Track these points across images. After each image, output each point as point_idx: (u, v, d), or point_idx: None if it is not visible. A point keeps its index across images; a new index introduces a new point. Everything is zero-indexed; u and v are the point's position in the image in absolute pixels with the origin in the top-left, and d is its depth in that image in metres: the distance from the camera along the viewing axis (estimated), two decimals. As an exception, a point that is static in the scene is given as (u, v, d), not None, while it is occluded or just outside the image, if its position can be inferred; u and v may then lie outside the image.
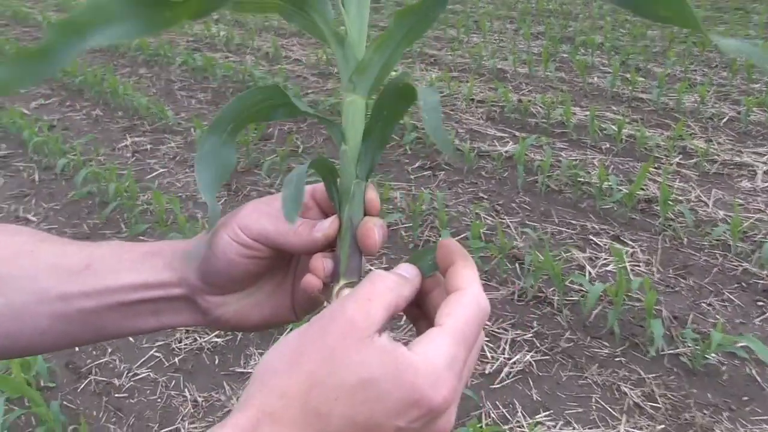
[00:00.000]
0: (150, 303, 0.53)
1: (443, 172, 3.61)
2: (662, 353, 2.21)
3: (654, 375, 2.12)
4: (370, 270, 0.48)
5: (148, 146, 4.15)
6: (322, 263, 0.51)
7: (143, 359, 2.30)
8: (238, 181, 3.60)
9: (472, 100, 4.68)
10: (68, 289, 0.52)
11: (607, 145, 3.85)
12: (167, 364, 2.27)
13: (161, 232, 2.98)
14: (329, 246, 0.53)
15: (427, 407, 0.40)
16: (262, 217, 0.52)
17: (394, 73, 0.49)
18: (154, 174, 3.77)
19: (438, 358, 0.41)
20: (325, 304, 0.50)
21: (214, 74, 5.47)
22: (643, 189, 3.26)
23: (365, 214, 0.52)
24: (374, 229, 0.51)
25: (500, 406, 2.03)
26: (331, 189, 0.53)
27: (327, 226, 0.52)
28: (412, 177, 3.58)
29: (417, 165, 3.73)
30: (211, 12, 0.48)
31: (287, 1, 0.47)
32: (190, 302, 0.53)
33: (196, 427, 2.00)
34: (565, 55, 5.80)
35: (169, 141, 4.22)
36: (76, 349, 2.34)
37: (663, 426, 1.94)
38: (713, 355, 2.17)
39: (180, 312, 0.54)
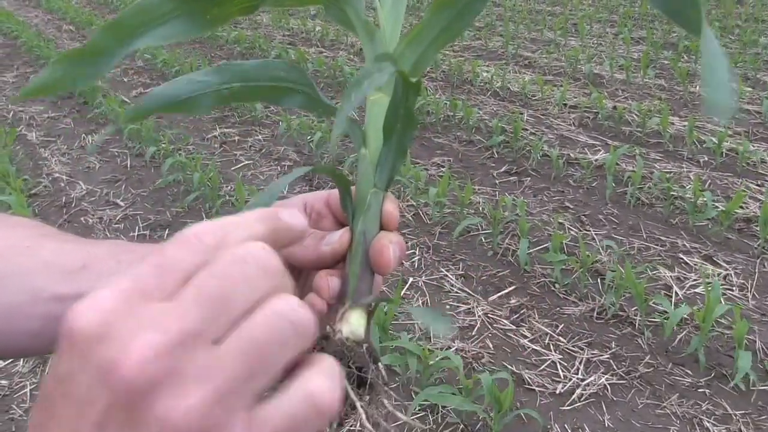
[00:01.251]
0: None
1: (529, 178, 3.50)
2: (753, 388, 2.04)
3: (742, 412, 1.96)
4: (383, 293, 0.43)
5: (236, 138, 4.22)
6: (327, 282, 0.45)
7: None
8: (320, 176, 3.60)
9: (565, 104, 4.53)
10: (63, 290, 0.49)
11: (705, 158, 3.64)
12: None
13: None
14: (338, 262, 0.47)
15: (67, 336, 0.28)
16: None
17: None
18: (239, 165, 3.82)
19: None
20: (328, 329, 0.43)
21: (306, 69, 5.51)
22: (742, 207, 3.05)
23: (381, 229, 0.47)
24: (389, 247, 0.45)
25: (569, 430, 1.93)
26: (345, 198, 0.47)
27: (336, 240, 0.46)
28: (497, 182, 3.49)
29: (503, 169, 3.63)
30: (258, 8, 0.45)
31: None
32: None
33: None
34: (666, 62, 5.54)
35: (257, 133, 4.28)
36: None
37: (747, 467, 1.79)
38: (810, 394, 2.00)
39: None
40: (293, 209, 0.37)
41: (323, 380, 0.30)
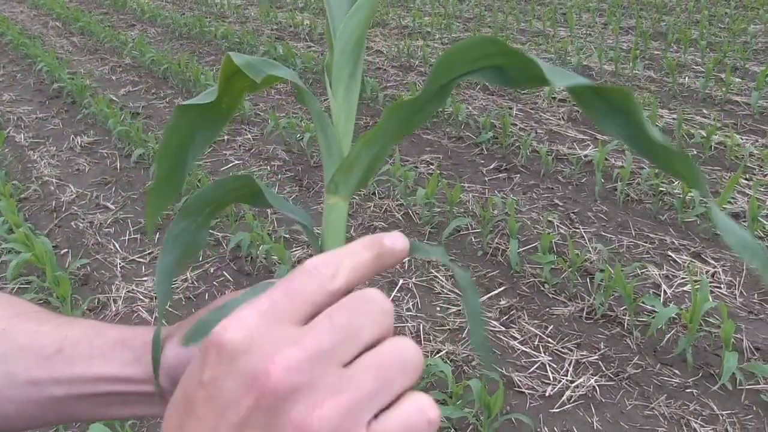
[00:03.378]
0: (120, 395, 0.50)
1: (518, 175, 3.50)
2: (740, 388, 2.07)
3: (729, 412, 1.98)
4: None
5: (225, 137, 4.21)
6: None
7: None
8: (310, 176, 3.60)
9: (554, 98, 4.53)
10: (38, 375, 0.49)
11: (694, 152, 3.65)
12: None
13: (231, 228, 3.02)
14: None
15: (216, 346, 0.32)
16: None
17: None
18: (228, 165, 3.82)
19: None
20: None
21: (294, 64, 5.49)
22: (730, 202, 3.07)
23: None
24: None
25: (559, 433, 1.95)
26: None
27: None
28: (486, 179, 3.49)
29: (492, 166, 3.63)
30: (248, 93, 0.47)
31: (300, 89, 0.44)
32: (162, 398, 0.50)
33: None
34: (656, 53, 5.54)
35: (246, 132, 4.27)
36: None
37: (734, 468, 1.81)
38: (796, 392, 2.02)
39: (152, 405, 0.51)
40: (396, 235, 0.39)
41: (428, 398, 0.34)
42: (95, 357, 0.50)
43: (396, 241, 0.38)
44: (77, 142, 4.28)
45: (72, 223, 3.28)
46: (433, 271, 2.71)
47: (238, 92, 0.45)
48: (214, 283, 2.74)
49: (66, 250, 3.05)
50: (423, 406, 0.33)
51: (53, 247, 2.95)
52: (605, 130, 0.36)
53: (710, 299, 2.39)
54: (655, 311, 2.35)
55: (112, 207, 3.42)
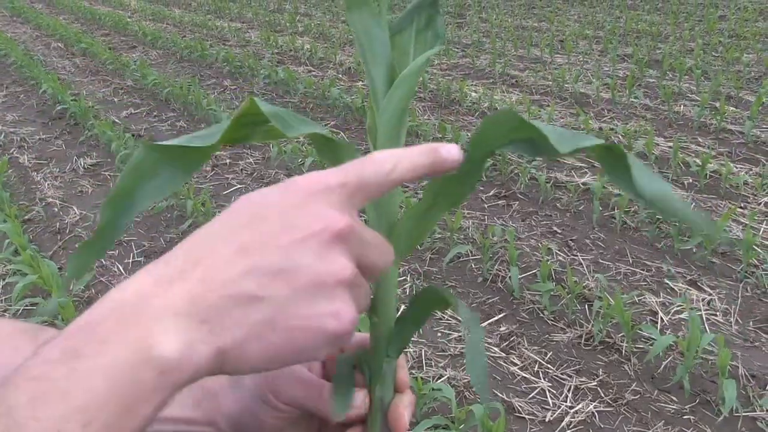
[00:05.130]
0: None
1: (517, 202, 3.56)
2: (736, 414, 2.11)
3: (725, 438, 2.02)
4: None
5: (228, 160, 4.26)
6: None
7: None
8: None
9: (553, 125, 4.59)
10: None
11: (690, 180, 3.72)
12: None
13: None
14: (361, 421, 0.52)
15: (293, 187, 0.38)
16: (294, 384, 0.51)
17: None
18: (231, 189, 3.86)
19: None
20: None
21: (296, 89, 5.56)
22: (726, 231, 3.12)
23: (395, 390, 0.52)
24: (404, 414, 0.50)
25: (559, 459, 1.98)
26: (361, 360, 0.51)
27: (359, 404, 0.51)
28: (485, 206, 3.54)
29: (492, 193, 3.69)
30: (238, 143, 0.48)
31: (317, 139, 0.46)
32: None
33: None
34: (651, 80, 5.63)
35: (248, 156, 4.32)
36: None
37: (731, 495, 1.85)
38: (791, 420, 2.06)
39: None
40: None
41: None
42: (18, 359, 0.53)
43: (451, 151, 0.42)
44: (80, 164, 4.33)
45: (76, 245, 3.32)
46: (434, 296, 2.75)
47: (242, 138, 0.45)
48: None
49: (70, 272, 3.08)
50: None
51: (58, 269, 2.98)
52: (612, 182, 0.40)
53: (707, 329, 2.44)
54: (652, 338, 2.39)
55: (116, 229, 3.45)
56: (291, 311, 0.36)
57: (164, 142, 0.41)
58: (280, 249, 0.36)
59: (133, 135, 4.66)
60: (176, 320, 0.33)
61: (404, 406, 0.51)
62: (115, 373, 0.31)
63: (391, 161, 0.41)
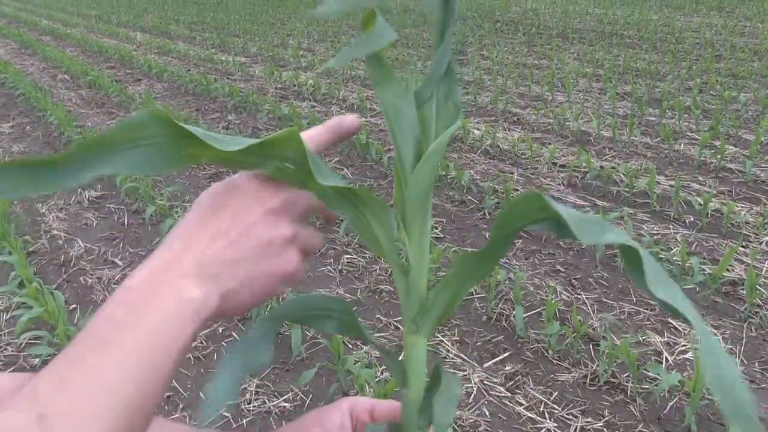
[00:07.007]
0: None
1: (521, 240, 3.58)
2: (742, 457, 2.10)
3: (732, 482, 2.01)
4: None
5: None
6: None
7: (212, 418, 2.35)
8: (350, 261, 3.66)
9: (554, 163, 4.64)
10: None
11: (692, 219, 3.74)
12: (235, 426, 2.32)
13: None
14: None
15: (235, 183, 0.56)
16: None
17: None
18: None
19: None
20: None
21: (300, 124, 5.61)
22: (728, 270, 3.14)
23: None
24: None
25: (566, 502, 1.97)
26: (393, 431, 0.53)
27: None
28: (487, 242, 3.56)
29: (493, 229, 3.70)
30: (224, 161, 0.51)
31: (339, 192, 0.48)
32: None
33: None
34: (651, 119, 5.69)
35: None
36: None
37: None
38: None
39: None
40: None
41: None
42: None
43: (354, 121, 0.60)
44: (85, 197, 4.35)
45: (81, 278, 3.33)
46: (438, 335, 2.75)
47: (198, 157, 0.49)
48: (223, 343, 2.77)
49: (75, 305, 3.09)
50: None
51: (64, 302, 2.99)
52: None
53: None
54: (658, 379, 2.39)
55: (120, 263, 3.47)
56: (260, 266, 0.53)
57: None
58: (241, 228, 0.52)
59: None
60: (194, 279, 0.50)
61: None
62: (166, 312, 0.48)
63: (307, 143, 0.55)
